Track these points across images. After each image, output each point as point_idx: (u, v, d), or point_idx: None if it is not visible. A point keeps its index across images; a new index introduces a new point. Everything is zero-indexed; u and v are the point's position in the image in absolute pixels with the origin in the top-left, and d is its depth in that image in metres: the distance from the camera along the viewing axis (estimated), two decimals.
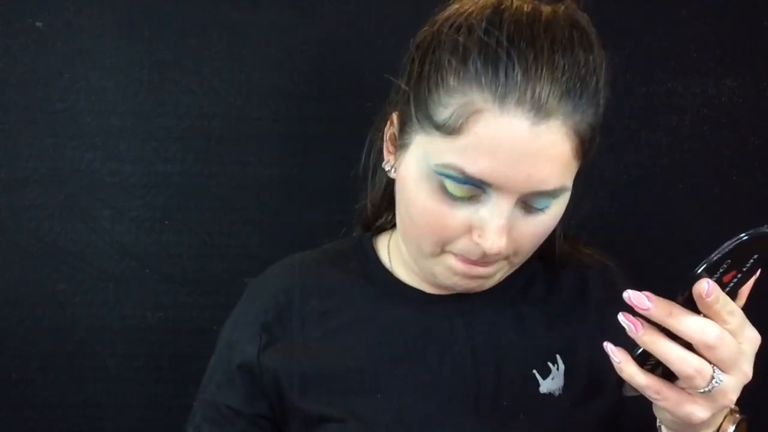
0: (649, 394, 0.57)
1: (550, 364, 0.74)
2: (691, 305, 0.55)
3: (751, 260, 0.56)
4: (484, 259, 0.66)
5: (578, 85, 0.61)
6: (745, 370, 0.56)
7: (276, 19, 1.01)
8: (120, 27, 0.98)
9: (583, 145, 0.63)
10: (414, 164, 0.66)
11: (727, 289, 0.57)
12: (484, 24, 0.61)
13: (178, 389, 1.04)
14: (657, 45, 1.08)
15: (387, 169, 0.74)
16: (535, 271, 0.78)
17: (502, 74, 0.59)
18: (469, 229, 0.65)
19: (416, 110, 0.65)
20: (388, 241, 0.80)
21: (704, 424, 0.59)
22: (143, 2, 0.98)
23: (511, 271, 0.72)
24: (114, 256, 1.01)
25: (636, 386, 0.58)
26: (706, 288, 0.54)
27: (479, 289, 0.72)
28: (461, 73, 0.61)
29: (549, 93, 0.59)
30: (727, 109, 1.10)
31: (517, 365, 0.73)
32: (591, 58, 0.62)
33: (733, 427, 0.60)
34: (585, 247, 0.83)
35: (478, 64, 0.60)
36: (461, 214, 0.64)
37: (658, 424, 0.64)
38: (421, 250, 0.69)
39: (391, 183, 0.78)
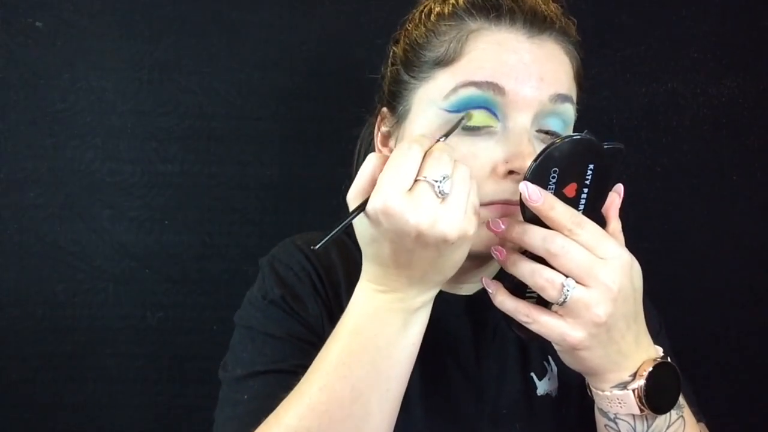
0: (520, 318, 0.59)
1: (545, 364, 0.74)
2: (542, 223, 0.57)
3: (589, 171, 0.57)
4: (516, 197, 0.62)
5: (557, 15, 0.66)
6: (607, 283, 0.55)
7: (276, 19, 1.01)
8: (120, 27, 0.98)
9: (578, 69, 0.67)
10: (422, 118, 0.66)
11: (581, 206, 0.58)
12: None
13: (178, 389, 1.04)
14: (657, 45, 1.08)
15: None
16: None
17: (489, 4, 0.64)
18: (493, 169, 0.62)
19: (409, 71, 0.67)
20: None
21: (612, 364, 0.58)
22: (143, 2, 0.98)
23: None
24: (114, 256, 1.01)
25: (507, 311, 0.59)
26: (526, 191, 0.55)
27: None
28: (450, 14, 0.65)
29: (536, 15, 0.64)
30: (727, 109, 1.10)
31: (517, 368, 0.74)
32: (561, 8, 0.68)
33: (649, 370, 0.59)
34: None
35: (465, 4, 0.65)
36: (481, 151, 0.62)
37: (586, 382, 0.64)
38: None
39: None
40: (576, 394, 0.73)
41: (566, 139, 0.56)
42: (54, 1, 0.97)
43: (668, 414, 0.61)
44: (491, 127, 0.62)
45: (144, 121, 1.00)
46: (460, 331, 0.74)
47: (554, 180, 0.57)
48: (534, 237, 0.56)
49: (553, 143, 0.56)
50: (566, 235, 0.56)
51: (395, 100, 0.69)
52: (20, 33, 0.96)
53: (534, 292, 0.59)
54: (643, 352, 0.60)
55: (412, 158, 0.54)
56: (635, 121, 1.09)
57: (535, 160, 0.56)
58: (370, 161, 0.56)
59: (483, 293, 0.75)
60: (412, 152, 0.54)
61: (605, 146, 0.57)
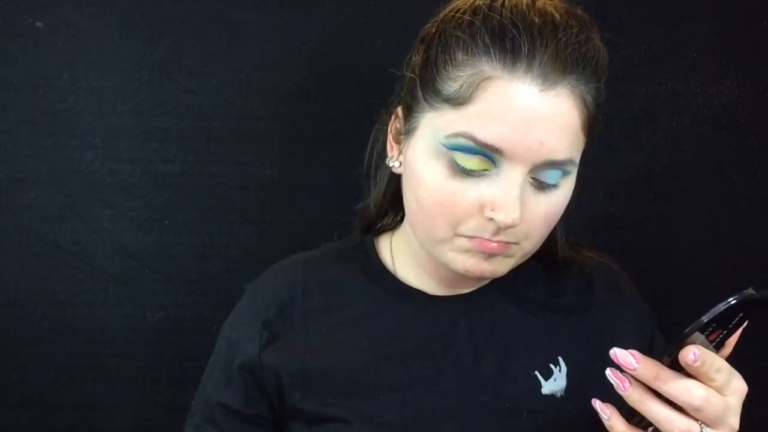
0: None
1: (552, 366, 0.74)
2: (679, 365, 0.57)
3: (736, 318, 0.58)
4: (498, 237, 0.65)
5: (580, 59, 0.63)
6: (732, 424, 0.58)
7: (276, 19, 1.01)
8: (120, 27, 0.98)
9: (590, 118, 0.65)
10: (423, 144, 0.66)
11: (713, 344, 0.59)
12: (488, 2, 0.64)
13: (178, 389, 1.04)
14: (657, 45, 1.08)
15: (391, 164, 0.74)
16: (536, 272, 0.78)
17: (509, 44, 0.62)
18: (480, 208, 0.65)
19: (423, 90, 0.67)
20: (390, 242, 0.80)
21: None
22: (143, 2, 0.98)
23: (522, 260, 0.71)
24: (114, 256, 1.01)
25: None
26: (693, 357, 0.56)
27: (492, 275, 0.70)
28: (469, 48, 0.63)
29: (555, 62, 0.61)
30: (727, 109, 1.10)
31: (519, 365, 0.74)
32: (589, 39, 0.65)
33: None
34: (588, 250, 0.83)
35: (486, 38, 0.62)
36: (472, 190, 0.64)
37: None
38: (432, 236, 0.68)
39: (393, 181, 0.78)
40: (584, 396, 0.73)
41: (734, 302, 0.56)
42: (54, 1, 0.96)
43: None
44: (487, 170, 0.64)
45: (144, 121, 1.00)
46: (457, 329, 0.74)
47: (707, 333, 0.57)
48: (678, 389, 0.57)
49: (728, 303, 0.56)
50: (705, 383, 0.57)
51: (408, 111, 0.70)
52: (20, 33, 0.96)
53: (645, 418, 0.60)
54: None
55: None
56: (635, 121, 1.09)
57: (708, 316, 0.57)
58: None
59: (478, 292, 0.76)
60: None
61: (757, 297, 0.58)
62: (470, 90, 0.62)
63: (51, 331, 1.00)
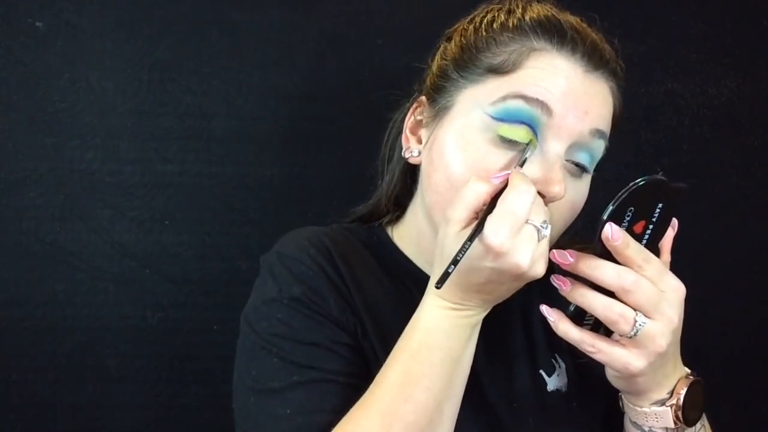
0: (585, 347, 0.61)
1: (553, 361, 0.75)
2: (609, 257, 0.59)
3: (657, 210, 0.60)
4: None
5: (609, 57, 0.67)
6: (670, 315, 0.59)
7: (276, 19, 1.01)
8: (120, 27, 0.98)
9: (618, 112, 0.69)
10: (461, 120, 0.66)
11: (644, 241, 0.60)
12: (519, 5, 0.68)
13: (178, 389, 1.04)
14: (657, 45, 1.08)
15: (407, 155, 0.72)
16: None
17: (555, 29, 0.65)
18: None
19: (459, 69, 0.67)
20: (392, 236, 0.78)
21: (656, 384, 0.63)
22: (143, 2, 0.98)
23: None
24: (114, 256, 1.01)
25: (571, 341, 0.61)
26: (610, 231, 0.57)
27: None
28: (517, 28, 0.66)
29: (594, 51, 0.66)
30: (727, 109, 1.10)
31: (527, 366, 0.74)
32: (609, 45, 0.69)
33: (685, 389, 0.63)
34: (579, 245, 0.82)
35: (534, 22, 0.65)
36: (514, 163, 0.63)
37: (620, 394, 0.67)
38: None
39: (404, 176, 0.77)
40: (587, 390, 0.74)
41: (643, 181, 0.59)
42: (54, 1, 0.97)
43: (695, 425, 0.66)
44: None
45: (144, 121, 1.00)
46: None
47: (628, 218, 0.59)
48: (608, 273, 0.58)
49: (633, 184, 0.59)
50: (635, 271, 0.58)
51: (438, 93, 0.69)
52: (20, 33, 0.96)
53: (590, 319, 0.61)
54: (678, 371, 0.64)
55: (526, 202, 0.57)
56: (635, 121, 1.09)
57: (615, 201, 0.58)
58: (477, 188, 0.58)
59: None
60: (528, 197, 0.57)
61: (673, 185, 0.61)
62: (519, 58, 0.64)
63: (51, 331, 1.00)
